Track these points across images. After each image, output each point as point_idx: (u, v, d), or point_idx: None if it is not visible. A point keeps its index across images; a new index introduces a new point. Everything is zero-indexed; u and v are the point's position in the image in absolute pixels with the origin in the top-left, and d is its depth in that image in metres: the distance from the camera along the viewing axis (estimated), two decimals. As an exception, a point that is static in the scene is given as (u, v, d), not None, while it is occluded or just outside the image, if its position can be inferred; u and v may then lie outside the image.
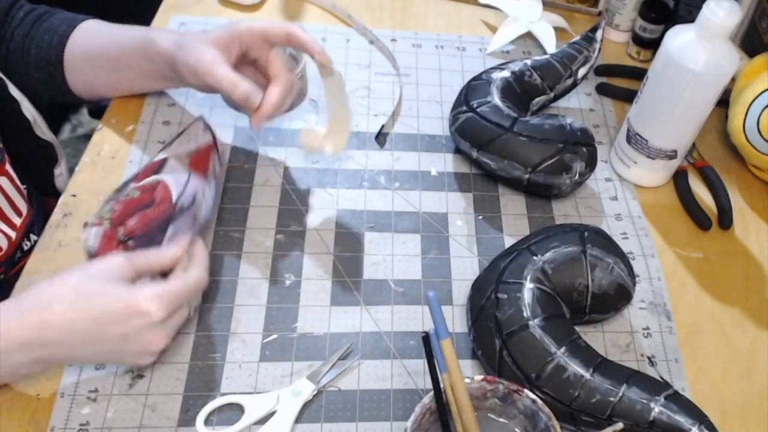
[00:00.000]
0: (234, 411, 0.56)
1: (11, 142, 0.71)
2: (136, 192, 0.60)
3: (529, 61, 0.78)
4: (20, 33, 0.71)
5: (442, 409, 0.49)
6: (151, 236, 0.58)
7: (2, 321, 0.49)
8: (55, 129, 1.16)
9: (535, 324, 0.56)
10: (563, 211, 0.74)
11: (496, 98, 0.73)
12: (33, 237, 0.72)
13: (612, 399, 0.53)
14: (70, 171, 0.73)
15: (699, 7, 0.64)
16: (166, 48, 0.65)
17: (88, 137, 1.20)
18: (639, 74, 0.86)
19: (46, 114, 0.75)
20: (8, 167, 0.69)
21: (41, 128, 0.73)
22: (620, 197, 0.76)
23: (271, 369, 0.59)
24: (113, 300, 0.51)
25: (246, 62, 0.67)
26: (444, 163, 0.77)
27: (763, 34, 0.85)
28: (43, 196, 0.78)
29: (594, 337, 0.64)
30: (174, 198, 0.60)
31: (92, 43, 0.71)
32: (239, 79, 0.61)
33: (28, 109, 0.71)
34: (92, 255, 0.56)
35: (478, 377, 0.51)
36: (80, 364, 0.57)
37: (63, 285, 0.51)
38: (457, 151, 0.78)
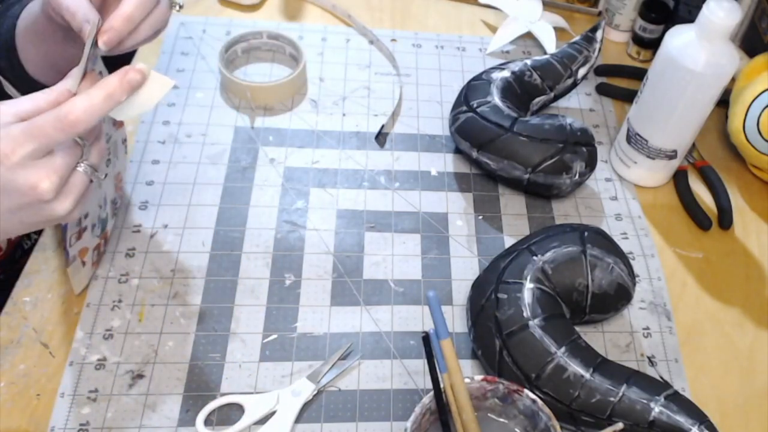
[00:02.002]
0: (234, 411, 0.56)
1: None
2: None
3: (529, 61, 0.78)
4: None
5: (442, 409, 0.49)
6: None
7: None
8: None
9: (535, 324, 0.56)
10: (563, 211, 0.74)
11: (496, 98, 0.73)
12: (33, 236, 0.72)
13: (612, 399, 0.53)
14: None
15: (699, 7, 0.64)
16: None
17: None
18: (639, 74, 0.86)
19: None
20: None
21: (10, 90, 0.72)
22: (620, 197, 0.76)
23: (271, 369, 0.59)
24: None
25: None
26: (444, 163, 0.77)
27: (763, 34, 0.85)
28: None
29: (594, 337, 0.64)
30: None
31: (27, 18, 0.65)
32: (79, 5, 0.51)
33: (12, 92, 0.71)
34: None
35: (478, 377, 0.51)
36: None
37: None
38: (457, 151, 0.78)
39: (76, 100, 0.46)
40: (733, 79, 0.72)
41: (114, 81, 0.48)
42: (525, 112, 0.77)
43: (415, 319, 0.64)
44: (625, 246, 0.71)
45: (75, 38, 0.59)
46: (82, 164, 0.49)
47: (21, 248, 0.72)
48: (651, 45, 0.90)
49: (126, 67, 0.49)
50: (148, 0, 0.54)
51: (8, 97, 0.69)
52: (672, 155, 0.73)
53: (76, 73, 0.49)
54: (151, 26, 0.57)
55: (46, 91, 0.48)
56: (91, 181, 0.49)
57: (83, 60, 0.49)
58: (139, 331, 0.60)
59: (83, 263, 0.60)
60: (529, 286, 0.58)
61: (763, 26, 0.85)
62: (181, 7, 0.59)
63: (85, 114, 0.46)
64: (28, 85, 0.70)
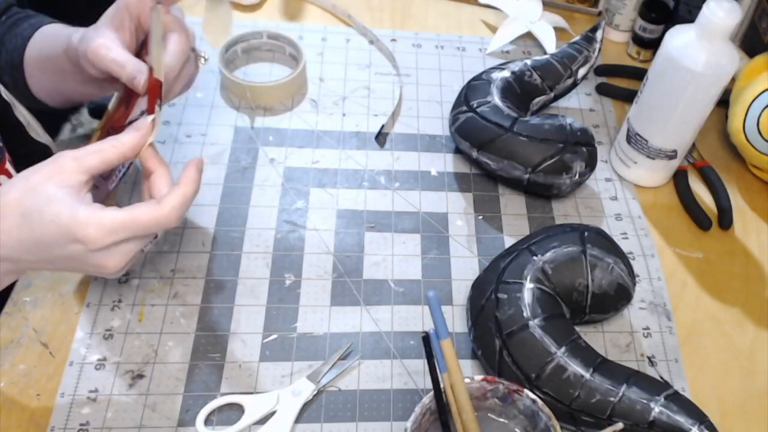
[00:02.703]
0: (234, 411, 0.56)
1: (8, 145, 0.71)
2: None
3: (529, 61, 0.78)
4: None
5: (442, 409, 0.49)
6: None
7: None
8: (56, 129, 1.15)
9: (535, 324, 0.56)
10: (563, 211, 0.74)
11: (496, 98, 0.73)
12: None
13: (612, 399, 0.53)
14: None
15: (699, 7, 0.64)
16: (74, 44, 0.57)
17: (88, 137, 1.20)
18: (639, 74, 0.86)
19: (46, 114, 0.75)
20: (8, 166, 0.69)
21: (36, 131, 0.72)
22: (620, 197, 0.76)
23: (271, 369, 0.59)
24: (51, 223, 0.47)
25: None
26: (444, 163, 0.77)
27: (763, 34, 0.85)
28: None
29: (594, 337, 0.64)
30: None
31: (42, 46, 0.66)
32: (128, 59, 0.54)
33: (21, 112, 0.71)
34: None
35: (478, 377, 0.51)
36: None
37: (6, 201, 0.47)
38: (457, 151, 0.78)
39: (172, 200, 0.49)
40: (733, 79, 0.72)
41: (193, 175, 0.51)
42: (525, 112, 0.77)
43: (415, 319, 0.64)
44: (625, 246, 0.71)
45: (99, 82, 0.60)
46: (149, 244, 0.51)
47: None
48: (651, 45, 0.90)
49: (195, 160, 0.52)
50: (183, 54, 0.56)
51: (2, 102, 0.69)
52: (672, 155, 0.73)
53: (146, 130, 0.51)
54: (184, 82, 0.58)
55: (110, 141, 0.50)
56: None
57: (155, 116, 0.51)
58: (139, 331, 0.60)
59: None
60: (529, 286, 0.58)
61: (763, 26, 0.85)
62: (206, 60, 0.60)
63: (162, 222, 0.49)
64: (29, 101, 0.71)
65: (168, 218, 0.49)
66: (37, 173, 0.48)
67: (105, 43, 0.54)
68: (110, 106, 0.61)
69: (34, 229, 0.47)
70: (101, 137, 0.56)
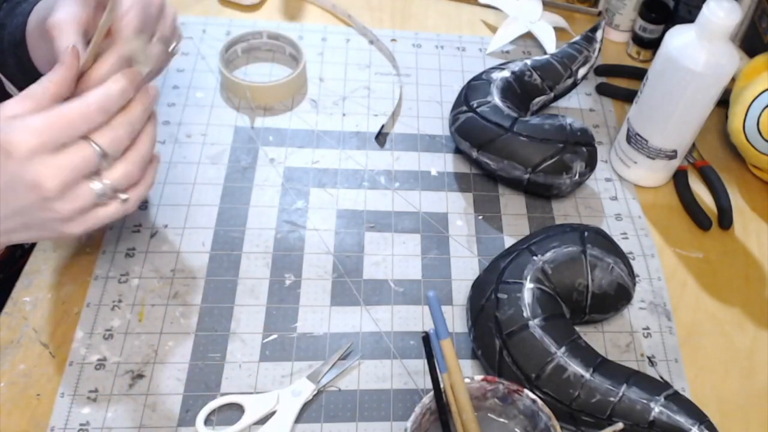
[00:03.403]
0: (234, 411, 0.56)
1: None
2: None
3: (529, 61, 0.78)
4: None
5: (442, 409, 0.49)
6: None
7: None
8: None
9: (535, 324, 0.56)
10: (563, 211, 0.74)
11: (496, 98, 0.73)
12: None
13: (612, 399, 0.53)
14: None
15: (699, 7, 0.64)
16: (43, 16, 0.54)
17: None
18: (639, 74, 0.86)
19: None
20: None
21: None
22: (620, 197, 0.76)
23: (271, 369, 0.59)
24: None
25: None
26: (444, 163, 0.77)
27: (763, 34, 0.85)
28: None
29: (594, 337, 0.64)
30: None
31: (39, 17, 0.63)
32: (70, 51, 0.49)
33: (13, 91, 0.71)
34: None
35: (478, 377, 0.51)
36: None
37: None
38: (457, 151, 0.78)
39: (97, 91, 0.45)
40: (733, 79, 0.72)
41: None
42: (525, 112, 0.77)
43: (415, 319, 0.64)
44: (625, 246, 0.71)
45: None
46: (98, 182, 0.47)
47: (21, 248, 0.72)
48: (651, 45, 0.90)
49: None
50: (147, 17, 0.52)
51: (9, 96, 0.69)
52: (672, 155, 0.73)
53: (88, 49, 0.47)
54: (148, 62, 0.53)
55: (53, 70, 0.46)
56: (107, 203, 0.48)
57: (95, 38, 0.47)
58: (139, 331, 0.60)
59: None
60: (529, 286, 0.58)
61: (763, 26, 0.85)
62: (176, 48, 0.57)
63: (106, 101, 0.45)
64: (35, 77, 0.69)
65: (91, 115, 0.45)
66: None
67: (59, 24, 0.51)
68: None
69: None
70: None
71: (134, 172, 0.49)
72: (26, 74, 0.68)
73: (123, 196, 0.48)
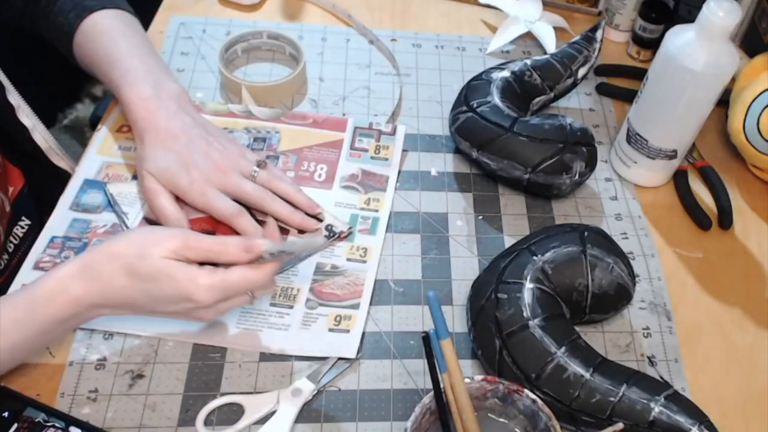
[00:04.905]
0: (234, 411, 0.56)
1: (10, 149, 0.71)
2: None
3: (529, 61, 0.78)
4: (41, 8, 0.71)
5: (442, 409, 0.49)
6: None
7: (70, 285, 0.52)
8: (52, 120, 1.16)
9: (535, 324, 0.56)
10: (563, 211, 0.74)
11: (496, 98, 0.73)
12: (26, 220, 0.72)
13: (612, 399, 0.53)
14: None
15: (699, 7, 0.64)
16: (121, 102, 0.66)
17: (73, 128, 1.19)
18: (639, 74, 0.86)
19: (42, 110, 0.75)
20: None
21: (41, 135, 0.73)
22: (620, 197, 0.76)
23: (271, 369, 0.59)
24: (168, 286, 0.52)
25: None
26: (444, 163, 0.77)
27: (763, 34, 0.85)
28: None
29: (594, 337, 0.64)
30: None
31: (90, 53, 0.70)
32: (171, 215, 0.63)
33: (28, 115, 0.71)
34: None
35: (478, 377, 0.51)
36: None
37: (117, 264, 0.52)
38: (457, 151, 0.78)
39: (257, 272, 0.54)
40: (733, 79, 0.72)
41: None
42: (525, 112, 0.77)
43: (415, 319, 0.64)
44: (625, 246, 0.71)
45: None
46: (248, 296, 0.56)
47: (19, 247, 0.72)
48: (651, 45, 0.90)
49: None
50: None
51: (9, 104, 0.69)
52: (672, 155, 0.73)
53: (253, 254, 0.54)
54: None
55: (220, 242, 0.54)
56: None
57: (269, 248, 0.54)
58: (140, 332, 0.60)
59: None
60: (529, 286, 0.58)
61: (763, 26, 0.85)
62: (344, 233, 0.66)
63: (267, 286, 0.56)
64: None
65: (263, 279, 0.55)
66: (148, 243, 0.53)
67: (155, 198, 0.63)
68: None
69: (147, 289, 0.53)
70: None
71: (270, 282, 0.57)
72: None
73: (255, 296, 0.57)
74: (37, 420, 0.52)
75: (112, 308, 0.54)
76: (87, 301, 0.52)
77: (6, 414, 0.52)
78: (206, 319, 0.57)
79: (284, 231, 0.66)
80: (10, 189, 0.71)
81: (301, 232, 0.66)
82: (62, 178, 0.71)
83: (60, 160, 0.75)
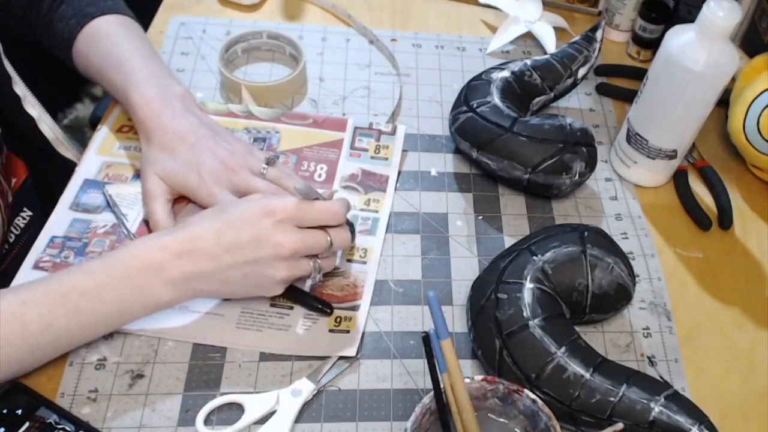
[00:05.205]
0: (234, 411, 0.56)
1: (15, 140, 0.71)
2: None
3: (529, 61, 0.78)
4: (41, 16, 0.72)
5: (442, 409, 0.49)
6: None
7: (158, 237, 0.55)
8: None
9: (535, 324, 0.56)
10: (563, 211, 0.74)
11: (496, 98, 0.73)
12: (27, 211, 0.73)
13: (612, 399, 0.53)
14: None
15: (699, 7, 0.64)
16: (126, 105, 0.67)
17: (73, 128, 1.19)
18: (639, 74, 0.86)
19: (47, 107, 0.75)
20: None
21: (47, 126, 0.73)
22: (620, 197, 0.76)
23: (271, 368, 0.59)
24: (249, 208, 0.56)
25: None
26: (444, 163, 0.77)
27: (763, 34, 0.85)
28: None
29: (594, 337, 0.64)
30: None
31: (91, 58, 0.70)
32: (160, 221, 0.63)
33: (34, 106, 0.71)
34: None
35: (478, 377, 0.51)
36: (221, 291, 0.59)
37: (205, 224, 0.56)
38: (457, 151, 0.78)
39: (338, 202, 0.59)
40: (733, 79, 0.72)
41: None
42: (525, 112, 0.77)
43: (415, 319, 0.64)
44: (625, 246, 0.71)
45: None
46: (315, 262, 0.59)
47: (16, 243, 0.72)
48: (651, 45, 0.90)
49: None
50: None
51: (15, 95, 0.69)
52: (672, 155, 0.73)
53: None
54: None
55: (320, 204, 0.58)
56: (309, 277, 0.60)
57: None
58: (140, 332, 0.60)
59: None
60: (529, 286, 0.58)
61: (763, 26, 0.85)
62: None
63: (345, 243, 0.61)
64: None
65: (345, 238, 0.60)
66: (234, 210, 0.57)
67: (151, 201, 0.64)
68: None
69: (230, 216, 0.56)
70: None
71: (333, 264, 0.62)
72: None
73: (318, 277, 0.60)
74: (48, 421, 0.52)
75: (195, 260, 0.55)
76: (173, 247, 0.54)
77: (19, 411, 0.52)
78: (279, 280, 0.57)
79: None
80: (14, 180, 0.71)
81: None
82: (68, 168, 0.71)
83: (66, 150, 0.75)
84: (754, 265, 0.72)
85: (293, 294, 0.62)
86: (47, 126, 0.73)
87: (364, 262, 0.66)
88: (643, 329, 0.65)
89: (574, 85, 0.79)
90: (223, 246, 0.55)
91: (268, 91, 0.79)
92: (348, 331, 0.61)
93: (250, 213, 0.56)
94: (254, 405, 0.56)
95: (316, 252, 0.59)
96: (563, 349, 0.55)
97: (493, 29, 0.93)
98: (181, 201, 0.66)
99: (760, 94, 0.74)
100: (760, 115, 0.74)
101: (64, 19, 0.70)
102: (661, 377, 0.62)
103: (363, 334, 0.61)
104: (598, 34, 0.80)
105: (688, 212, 0.75)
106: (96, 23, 0.70)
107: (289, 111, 0.78)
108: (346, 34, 0.90)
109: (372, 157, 0.74)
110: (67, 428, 0.52)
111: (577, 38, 0.81)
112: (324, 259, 0.60)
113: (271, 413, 0.56)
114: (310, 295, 0.62)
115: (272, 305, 0.62)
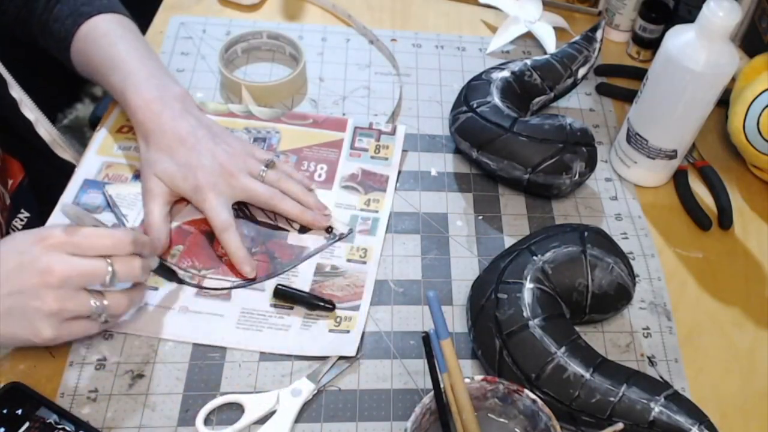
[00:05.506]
0: (234, 410, 0.56)
1: (13, 142, 0.71)
2: None
3: (529, 61, 0.78)
4: (36, 16, 0.71)
5: (442, 409, 0.49)
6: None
7: None
8: (52, 120, 1.16)
9: (535, 324, 0.56)
10: (563, 211, 0.74)
11: (496, 98, 0.73)
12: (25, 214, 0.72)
13: (612, 399, 0.53)
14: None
15: (699, 7, 0.64)
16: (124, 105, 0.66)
17: (72, 128, 1.19)
18: (639, 74, 0.86)
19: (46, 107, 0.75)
20: None
21: (45, 128, 0.73)
22: (620, 197, 0.76)
23: (271, 368, 0.59)
24: (20, 235, 0.51)
25: None
26: (444, 163, 0.77)
27: (763, 34, 0.85)
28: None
29: (594, 337, 0.64)
30: None
31: (89, 58, 0.69)
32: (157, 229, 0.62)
33: (31, 109, 0.71)
34: None
35: (478, 377, 0.51)
36: None
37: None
38: (457, 151, 0.78)
39: (129, 231, 0.54)
40: (733, 79, 0.72)
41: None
42: (525, 112, 0.77)
43: (415, 319, 0.64)
44: (625, 246, 0.71)
45: None
46: (97, 300, 0.52)
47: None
48: (651, 45, 0.90)
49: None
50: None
51: (12, 99, 0.69)
52: (672, 155, 0.73)
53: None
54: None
55: (102, 230, 0.53)
56: (89, 317, 0.53)
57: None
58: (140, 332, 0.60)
59: None
60: (529, 286, 0.58)
61: (763, 26, 0.85)
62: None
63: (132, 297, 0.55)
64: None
65: (111, 244, 0.52)
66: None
67: (149, 201, 0.63)
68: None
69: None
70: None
71: (126, 306, 0.55)
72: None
73: (103, 317, 0.53)
74: (48, 421, 0.52)
75: None
76: None
77: (19, 411, 0.52)
78: (48, 312, 0.50)
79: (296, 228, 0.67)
80: (10, 181, 0.71)
81: (305, 229, 0.67)
82: (66, 170, 0.71)
83: (64, 152, 0.75)
84: (754, 265, 0.72)
85: (293, 294, 0.62)
86: (44, 129, 0.73)
87: (364, 262, 0.66)
88: (643, 329, 0.65)
89: (574, 85, 0.79)
90: None
91: (268, 91, 0.79)
92: (348, 331, 0.61)
93: (20, 240, 0.51)
94: (254, 405, 0.56)
95: (95, 282, 0.51)
96: (563, 349, 0.55)
97: (493, 29, 0.93)
98: (182, 202, 0.66)
99: (760, 94, 0.74)
100: (760, 115, 0.74)
101: (60, 18, 0.70)
102: (661, 377, 0.62)
103: (363, 334, 0.61)
104: (598, 34, 0.80)
105: (688, 212, 0.75)
106: (92, 23, 0.70)
107: (289, 111, 0.78)
108: (346, 34, 0.90)
109: (372, 157, 0.74)
110: (67, 428, 0.52)
111: (577, 38, 0.81)
112: (111, 297, 0.53)
113: (271, 413, 0.56)
114: (311, 294, 0.62)
115: (272, 305, 0.62)
